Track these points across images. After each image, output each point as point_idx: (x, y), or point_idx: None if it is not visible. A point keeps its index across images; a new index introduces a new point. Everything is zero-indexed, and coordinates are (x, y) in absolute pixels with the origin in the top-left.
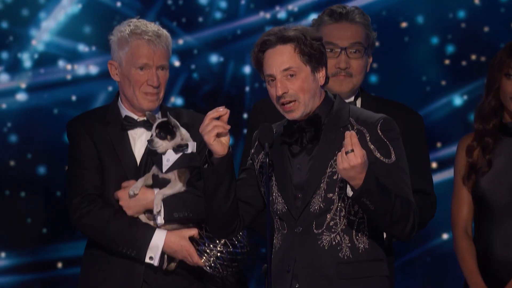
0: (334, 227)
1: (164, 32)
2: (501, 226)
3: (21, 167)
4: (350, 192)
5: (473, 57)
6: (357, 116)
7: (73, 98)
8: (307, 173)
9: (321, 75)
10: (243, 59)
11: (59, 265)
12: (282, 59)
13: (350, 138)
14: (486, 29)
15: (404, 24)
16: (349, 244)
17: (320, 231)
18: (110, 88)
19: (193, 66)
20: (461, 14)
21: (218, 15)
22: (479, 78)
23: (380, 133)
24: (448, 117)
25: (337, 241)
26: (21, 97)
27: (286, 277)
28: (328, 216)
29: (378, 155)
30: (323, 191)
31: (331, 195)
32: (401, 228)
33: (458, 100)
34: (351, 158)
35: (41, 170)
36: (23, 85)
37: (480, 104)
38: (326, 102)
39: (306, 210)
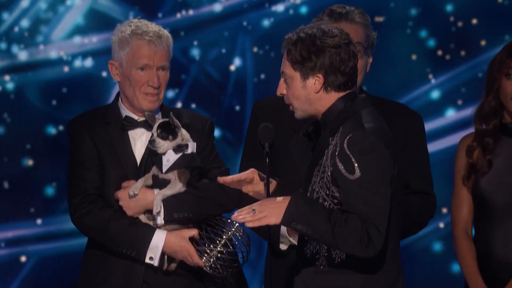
0: None
1: (165, 32)
2: (501, 226)
3: (7, 159)
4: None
5: (445, 53)
6: (347, 125)
7: (64, 90)
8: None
9: (314, 82)
10: (244, 52)
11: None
12: (282, 62)
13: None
14: (460, 24)
15: (379, 19)
16: (325, 254)
17: (307, 238)
18: (109, 86)
19: (197, 58)
20: (449, 7)
21: (218, 7)
22: (454, 70)
23: (345, 148)
24: (425, 109)
25: (316, 249)
26: (9, 87)
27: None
28: None
29: (343, 170)
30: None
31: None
32: (354, 246)
33: (435, 93)
34: (260, 213)
35: (25, 162)
36: (7, 78)
37: (480, 104)
38: (337, 106)
39: None
